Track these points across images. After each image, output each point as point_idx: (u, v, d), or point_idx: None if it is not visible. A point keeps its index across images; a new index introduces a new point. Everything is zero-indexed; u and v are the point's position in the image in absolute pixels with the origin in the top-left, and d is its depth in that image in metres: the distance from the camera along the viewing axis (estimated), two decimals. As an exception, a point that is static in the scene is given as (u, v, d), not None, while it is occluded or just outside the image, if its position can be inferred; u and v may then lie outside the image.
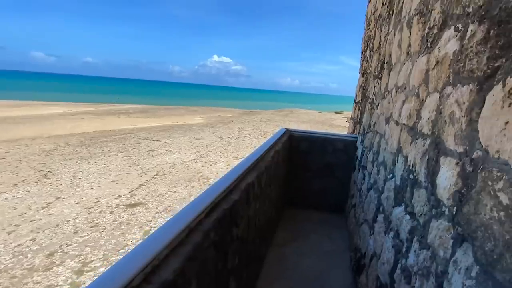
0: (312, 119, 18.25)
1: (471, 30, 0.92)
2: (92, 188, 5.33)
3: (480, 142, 0.78)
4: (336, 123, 16.01)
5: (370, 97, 3.26)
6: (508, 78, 0.70)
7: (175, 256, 0.81)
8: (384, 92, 2.34)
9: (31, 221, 4.03)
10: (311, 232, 3.20)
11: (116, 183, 5.64)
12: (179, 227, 0.88)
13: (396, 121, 1.72)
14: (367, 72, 4.04)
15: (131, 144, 8.91)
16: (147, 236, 0.83)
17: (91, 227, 3.98)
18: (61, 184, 5.43)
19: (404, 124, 1.55)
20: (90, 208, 4.55)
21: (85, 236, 3.73)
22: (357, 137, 3.73)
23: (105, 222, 4.13)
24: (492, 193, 0.68)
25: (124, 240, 3.69)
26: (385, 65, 2.50)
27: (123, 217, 4.31)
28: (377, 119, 2.51)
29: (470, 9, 0.95)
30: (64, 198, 4.86)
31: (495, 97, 0.74)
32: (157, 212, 4.50)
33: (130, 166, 6.71)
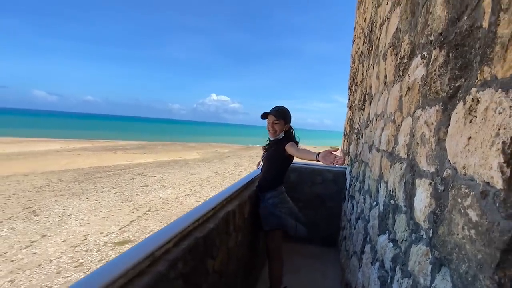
0: (307, 153, 18.35)
1: (434, 55, 0.96)
2: (80, 225, 5.10)
3: (449, 160, 0.77)
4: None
5: (356, 128, 3.32)
6: (468, 96, 0.71)
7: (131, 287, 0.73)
8: (367, 121, 2.38)
9: (12, 261, 3.77)
10: (302, 267, 3.03)
11: (106, 220, 5.42)
12: (140, 255, 0.81)
13: (377, 148, 1.73)
14: (353, 105, 4.17)
15: (125, 179, 8.76)
16: (101, 265, 0.76)
17: (75, 267, 3.72)
18: (49, 221, 5.20)
19: (384, 150, 1.55)
20: (76, 246, 4.31)
21: (67, 277, 3.47)
22: (345, 168, 3.72)
23: (91, 261, 3.88)
24: (462, 210, 0.66)
25: (108, 280, 3.44)
26: (367, 96, 2.58)
27: (110, 255, 4.06)
28: (362, 148, 2.52)
29: (432, 37, 1.00)
30: (50, 236, 4.62)
31: (458, 115, 0.74)
32: (146, 250, 4.29)
33: (122, 202, 6.52)
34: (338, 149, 1.71)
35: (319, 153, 1.73)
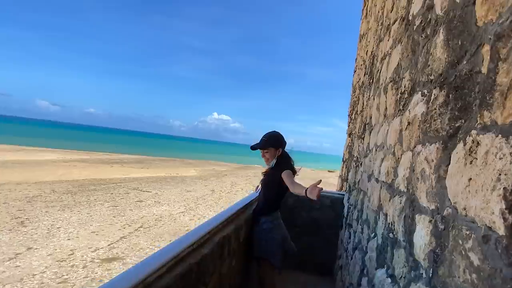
0: (305, 176, 18.28)
1: (434, 94, 0.99)
2: (69, 239, 4.94)
3: (450, 199, 0.77)
4: (329, 181, 15.95)
5: (355, 155, 3.34)
6: (468, 137, 0.72)
7: (121, 315, 0.71)
8: (366, 150, 2.40)
9: (-7, 274, 3.62)
10: (295, 298, 2.92)
11: (96, 235, 5.26)
12: (132, 281, 0.79)
13: (377, 178, 1.73)
14: (353, 132, 4.21)
15: (119, 194, 8.64)
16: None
17: (59, 283, 3.56)
18: (36, 233, 5.03)
19: (383, 181, 1.55)
20: (62, 261, 4.14)
21: (49, 294, 3.32)
22: (344, 194, 3.70)
23: (76, 277, 3.71)
24: (463, 253, 0.65)
25: (94, 300, 3.28)
26: (366, 126, 2.62)
27: (97, 272, 3.89)
28: (361, 176, 2.52)
29: (432, 77, 1.04)
30: (36, 248, 4.45)
31: (458, 154, 0.76)
32: (134, 269, 4.13)
33: (114, 217, 6.37)
34: (321, 181, 1.79)
35: (307, 188, 1.78)
